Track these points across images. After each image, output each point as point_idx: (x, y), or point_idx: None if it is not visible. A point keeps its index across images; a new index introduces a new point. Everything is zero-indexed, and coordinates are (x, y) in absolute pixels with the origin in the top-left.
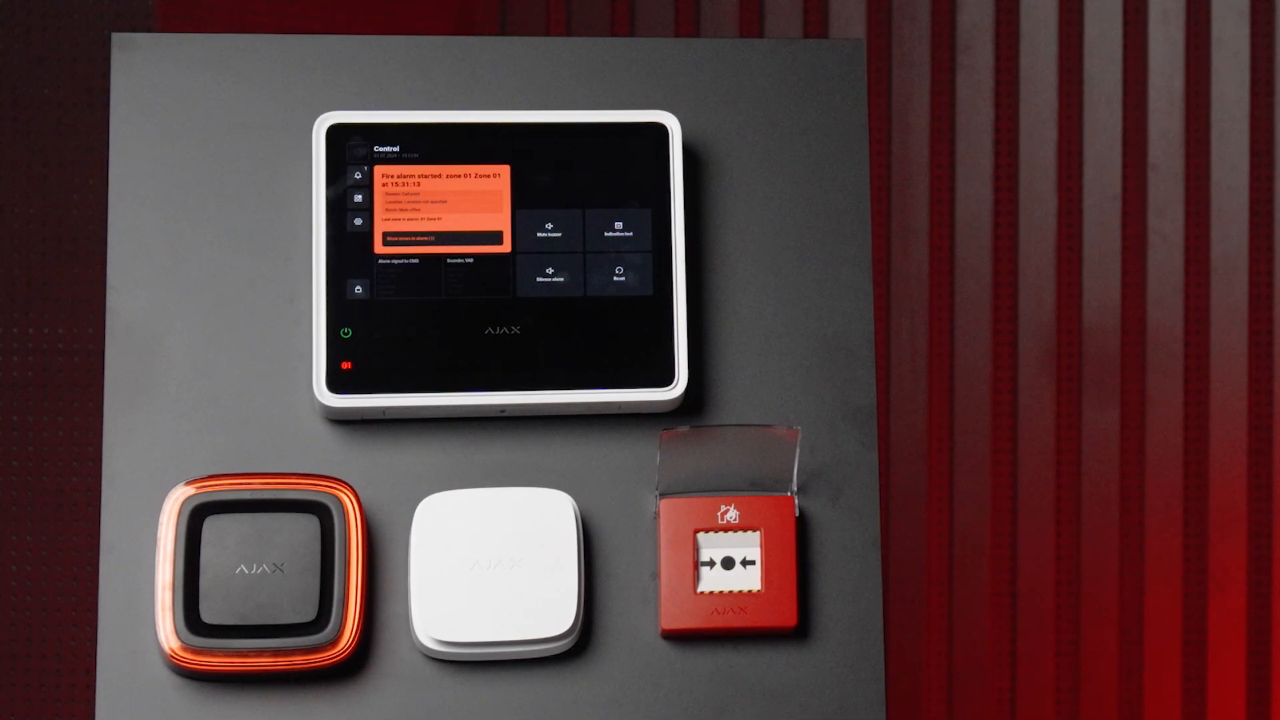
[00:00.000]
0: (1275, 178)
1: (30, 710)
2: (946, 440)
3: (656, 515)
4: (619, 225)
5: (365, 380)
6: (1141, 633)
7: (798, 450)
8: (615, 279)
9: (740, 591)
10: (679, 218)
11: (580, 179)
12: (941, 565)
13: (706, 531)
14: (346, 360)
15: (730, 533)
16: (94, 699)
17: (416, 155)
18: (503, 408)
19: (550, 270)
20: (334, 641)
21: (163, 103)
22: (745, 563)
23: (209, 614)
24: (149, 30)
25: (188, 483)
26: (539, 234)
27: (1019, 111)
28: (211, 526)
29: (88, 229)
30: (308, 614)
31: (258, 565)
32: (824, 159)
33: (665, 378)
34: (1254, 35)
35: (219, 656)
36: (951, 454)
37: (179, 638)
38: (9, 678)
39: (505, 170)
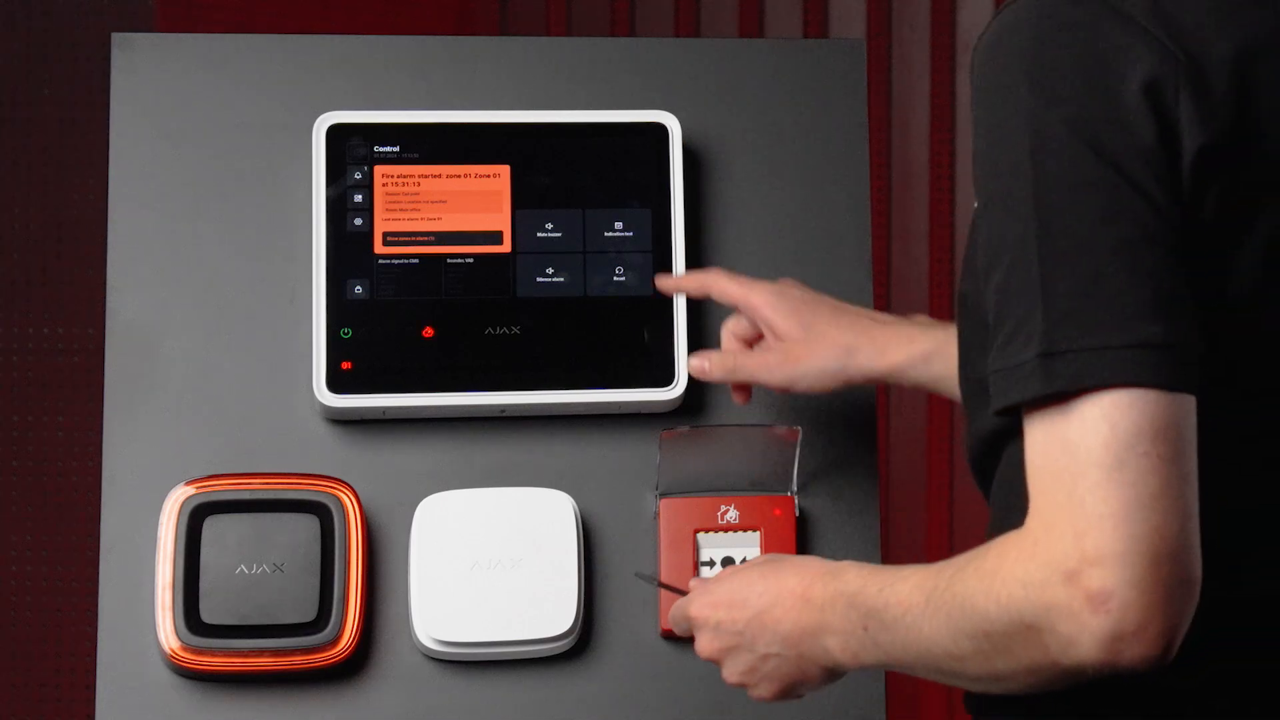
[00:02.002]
0: None
1: (30, 710)
2: (946, 440)
3: (656, 515)
4: (619, 225)
5: (365, 380)
6: None
7: (798, 450)
8: (615, 279)
9: None
10: (679, 218)
11: (580, 179)
12: None
13: (706, 531)
14: (346, 360)
15: (730, 533)
16: (94, 699)
17: (416, 155)
18: (503, 408)
19: (550, 270)
20: (334, 641)
21: (163, 103)
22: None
23: (209, 614)
24: (149, 30)
25: (188, 483)
26: (539, 234)
27: None
28: (211, 526)
29: (88, 229)
30: (308, 614)
31: (258, 565)
32: (824, 159)
33: (665, 378)
34: None
35: (219, 656)
36: (951, 454)
37: (179, 638)
38: (9, 678)
39: (505, 170)
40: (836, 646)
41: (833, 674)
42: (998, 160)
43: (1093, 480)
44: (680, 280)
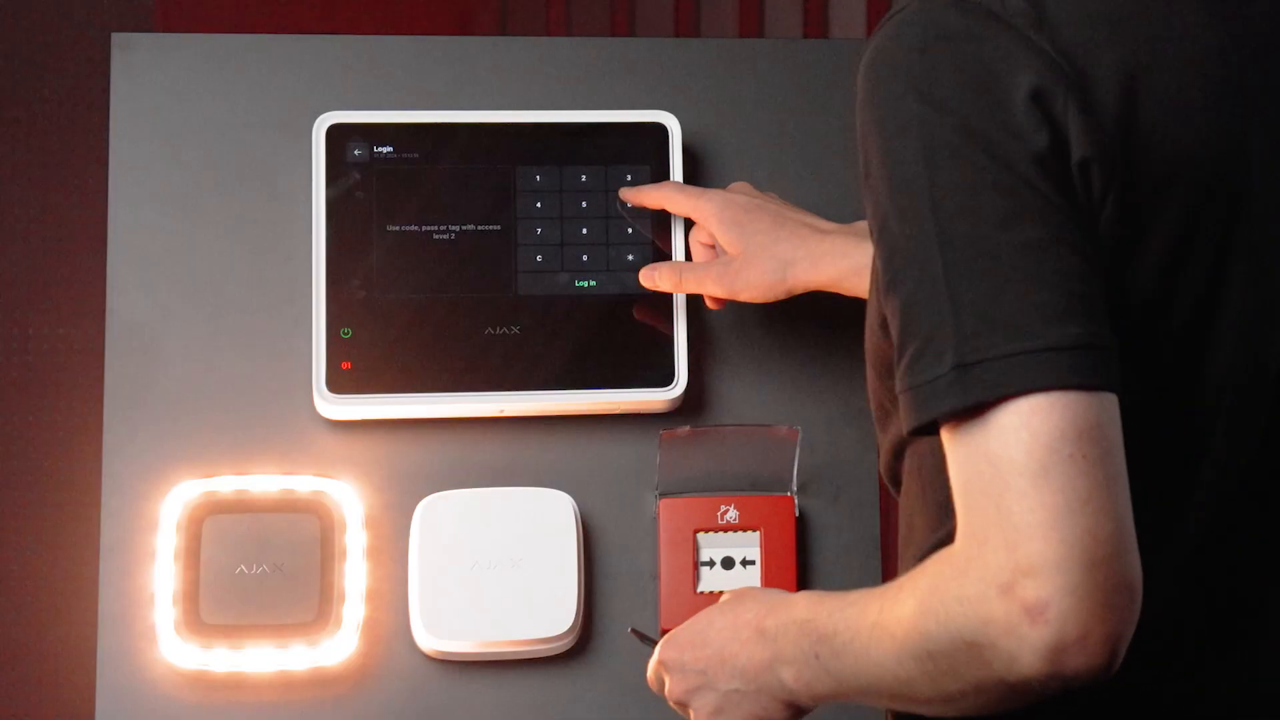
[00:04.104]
0: None
1: (30, 710)
2: None
3: (656, 515)
4: (619, 225)
5: (365, 380)
6: None
7: (798, 450)
8: (615, 279)
9: None
10: (679, 218)
11: (580, 179)
12: None
13: (706, 531)
14: (346, 360)
15: (730, 533)
16: (94, 699)
17: (416, 155)
18: (502, 408)
19: (550, 270)
20: (334, 641)
21: (163, 103)
22: (745, 563)
23: (209, 614)
24: (149, 30)
25: (188, 483)
26: (539, 233)
27: None
28: (211, 526)
29: (88, 229)
30: (308, 614)
31: (258, 565)
32: (824, 159)
33: (665, 378)
34: None
35: (219, 656)
36: None
37: (179, 637)
38: (9, 678)
39: (506, 170)
40: (790, 677)
41: (795, 709)
42: (890, 175)
43: (1019, 490)
44: (640, 193)
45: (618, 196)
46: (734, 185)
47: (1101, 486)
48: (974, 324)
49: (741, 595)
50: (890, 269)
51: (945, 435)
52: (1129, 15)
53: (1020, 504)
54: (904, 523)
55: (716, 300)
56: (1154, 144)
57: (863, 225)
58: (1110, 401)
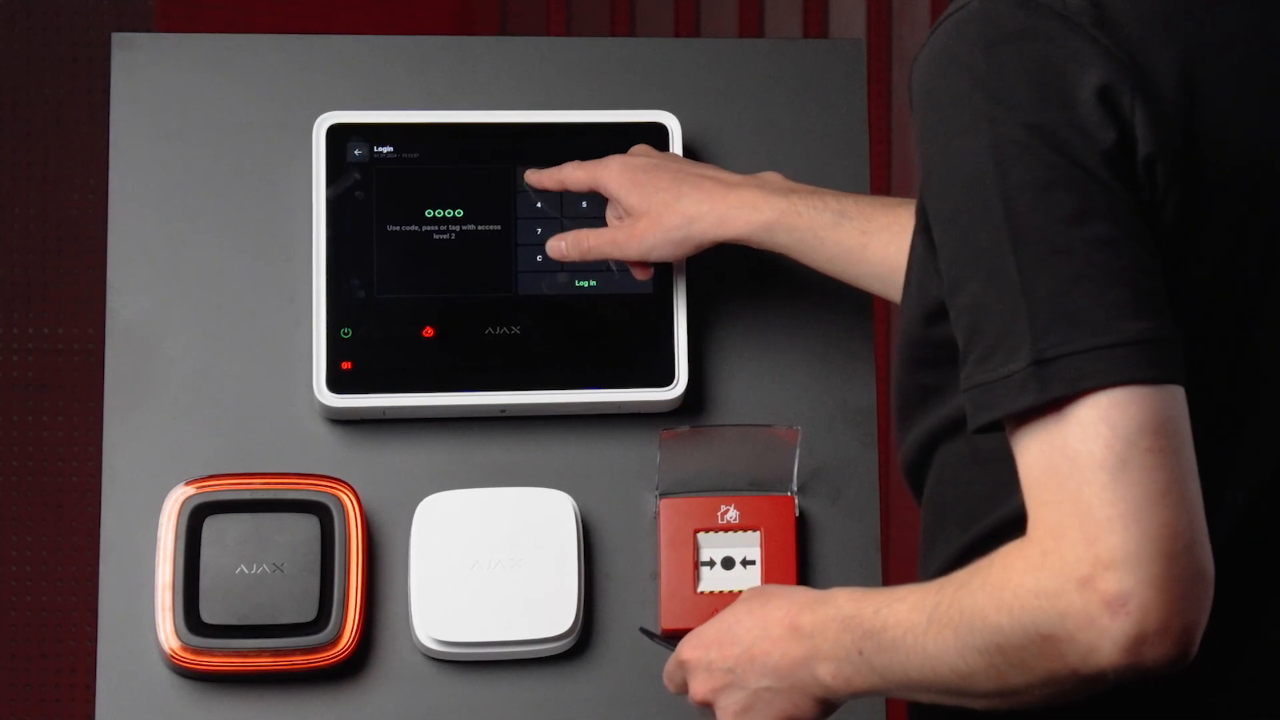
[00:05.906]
0: None
1: (30, 710)
2: None
3: (656, 515)
4: None
5: (365, 380)
6: None
7: (798, 450)
8: (615, 278)
9: (740, 591)
10: None
11: None
12: None
13: (706, 531)
14: (346, 360)
15: (730, 533)
16: (94, 699)
17: (416, 155)
18: (503, 408)
19: (550, 270)
20: (334, 641)
21: (163, 103)
22: (745, 563)
23: (209, 614)
24: (149, 30)
25: (188, 483)
26: (539, 233)
27: None
28: (211, 526)
29: (88, 229)
30: (308, 614)
31: (258, 565)
32: (824, 159)
33: (665, 377)
34: None
35: (219, 656)
36: None
37: (179, 638)
38: (9, 678)
39: (505, 170)
40: (829, 673)
41: (826, 705)
42: (957, 172)
43: (1099, 483)
44: (540, 176)
45: (527, 182)
46: (634, 149)
47: (1177, 479)
48: (1049, 320)
49: (766, 593)
50: (956, 266)
51: (1015, 431)
52: (1180, 15)
53: (1099, 498)
54: (930, 518)
55: (642, 268)
56: (1211, 143)
57: (771, 177)
58: (1180, 395)
